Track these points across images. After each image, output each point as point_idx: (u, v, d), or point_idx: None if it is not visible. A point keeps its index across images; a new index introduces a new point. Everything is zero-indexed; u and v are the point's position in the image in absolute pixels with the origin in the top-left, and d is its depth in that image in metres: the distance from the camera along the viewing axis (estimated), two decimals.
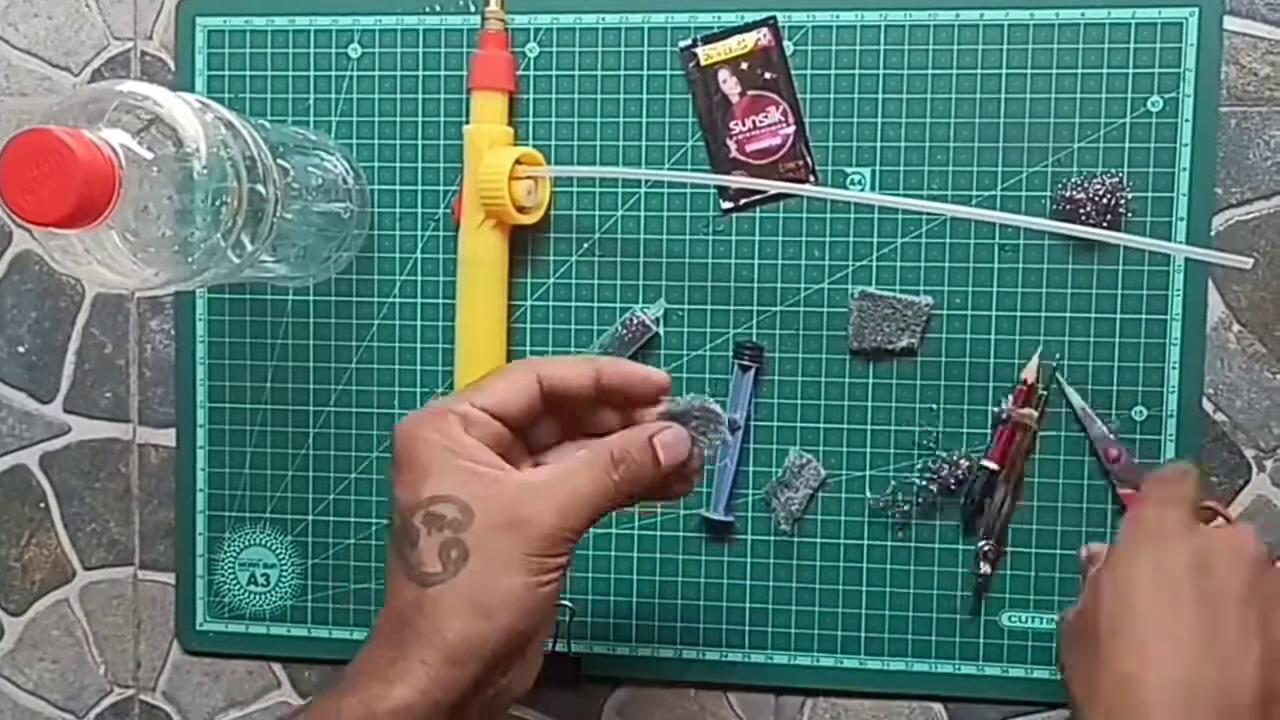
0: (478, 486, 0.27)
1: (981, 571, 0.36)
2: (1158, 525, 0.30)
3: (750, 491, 0.38)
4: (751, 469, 0.37)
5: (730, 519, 0.37)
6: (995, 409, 0.36)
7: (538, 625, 0.27)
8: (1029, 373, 0.36)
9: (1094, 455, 0.36)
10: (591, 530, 0.38)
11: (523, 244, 0.38)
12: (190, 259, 0.30)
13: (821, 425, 0.37)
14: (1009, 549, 0.37)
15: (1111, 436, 0.35)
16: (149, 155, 0.29)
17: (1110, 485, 0.36)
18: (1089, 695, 0.28)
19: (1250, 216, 0.36)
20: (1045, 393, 0.36)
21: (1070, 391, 0.36)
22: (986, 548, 0.36)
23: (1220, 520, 0.33)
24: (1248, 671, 0.27)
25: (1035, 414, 0.36)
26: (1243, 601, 0.28)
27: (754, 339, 0.37)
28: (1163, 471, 0.32)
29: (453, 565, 0.26)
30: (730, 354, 0.37)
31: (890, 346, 0.37)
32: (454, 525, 0.26)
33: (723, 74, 0.37)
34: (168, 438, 0.41)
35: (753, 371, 0.37)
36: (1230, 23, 0.36)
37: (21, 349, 0.41)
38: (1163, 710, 0.27)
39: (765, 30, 0.37)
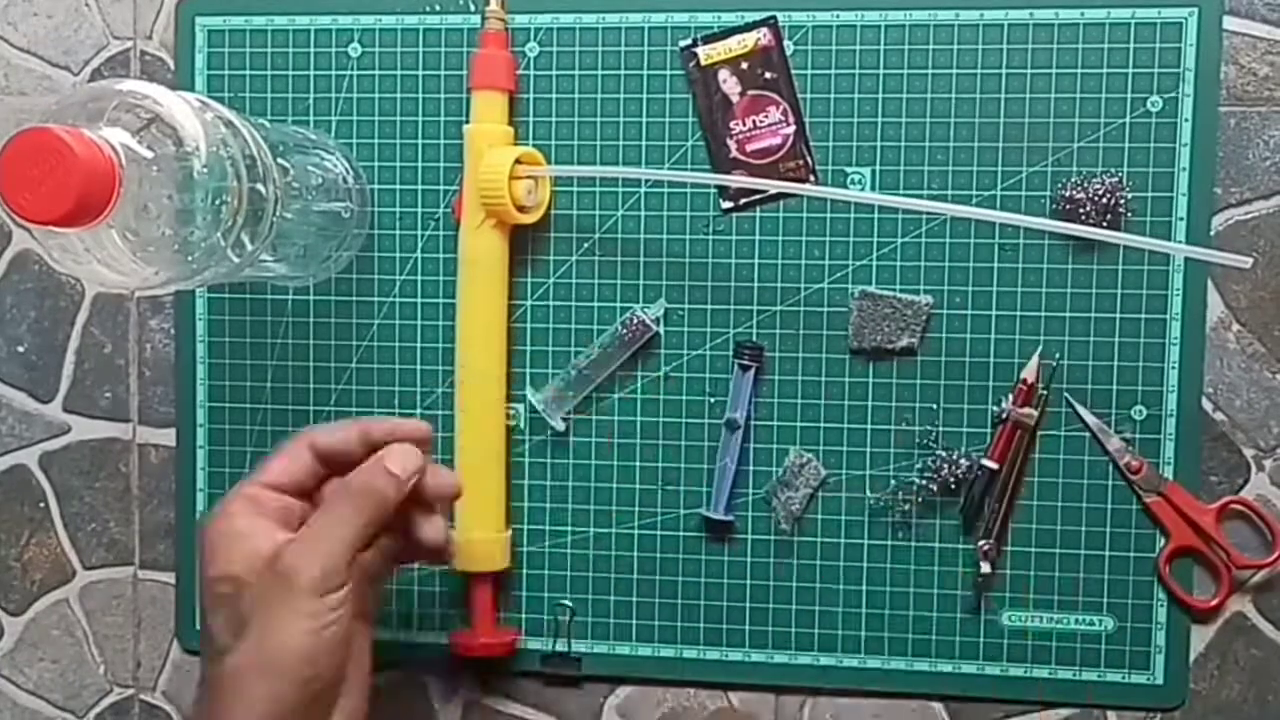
0: (250, 560, 0.29)
1: (981, 571, 0.36)
2: None
3: (750, 491, 0.38)
4: (751, 469, 0.38)
5: (730, 519, 0.37)
6: (995, 408, 0.36)
7: (336, 671, 0.29)
8: (1029, 372, 0.36)
9: (1094, 454, 0.36)
10: (592, 529, 0.39)
11: (523, 243, 0.38)
12: (190, 258, 0.30)
13: (821, 425, 0.37)
14: (1009, 548, 0.37)
15: (1129, 447, 0.35)
16: (149, 154, 0.29)
17: (1132, 492, 0.36)
18: None
19: (1249, 216, 0.36)
20: (1045, 392, 0.36)
21: (1083, 411, 0.36)
22: (986, 547, 0.36)
23: None
24: None
25: (1035, 413, 0.36)
26: None
27: (754, 338, 0.37)
28: None
29: (237, 632, 0.29)
30: (730, 353, 0.37)
31: (890, 346, 0.37)
32: (231, 600, 0.29)
33: (723, 74, 0.37)
34: (168, 437, 0.41)
35: (753, 371, 0.37)
36: (1230, 23, 0.36)
37: (21, 348, 0.41)
38: None
39: (765, 30, 0.37)
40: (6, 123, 0.41)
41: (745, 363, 0.37)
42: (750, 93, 0.37)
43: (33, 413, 0.41)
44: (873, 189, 0.37)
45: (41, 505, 0.42)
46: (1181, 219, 0.36)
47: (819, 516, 0.37)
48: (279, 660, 0.28)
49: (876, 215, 0.37)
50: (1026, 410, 0.36)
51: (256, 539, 0.29)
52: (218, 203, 0.29)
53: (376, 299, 0.39)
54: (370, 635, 0.31)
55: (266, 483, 0.31)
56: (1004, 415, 0.36)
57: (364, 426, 0.31)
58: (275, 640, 0.28)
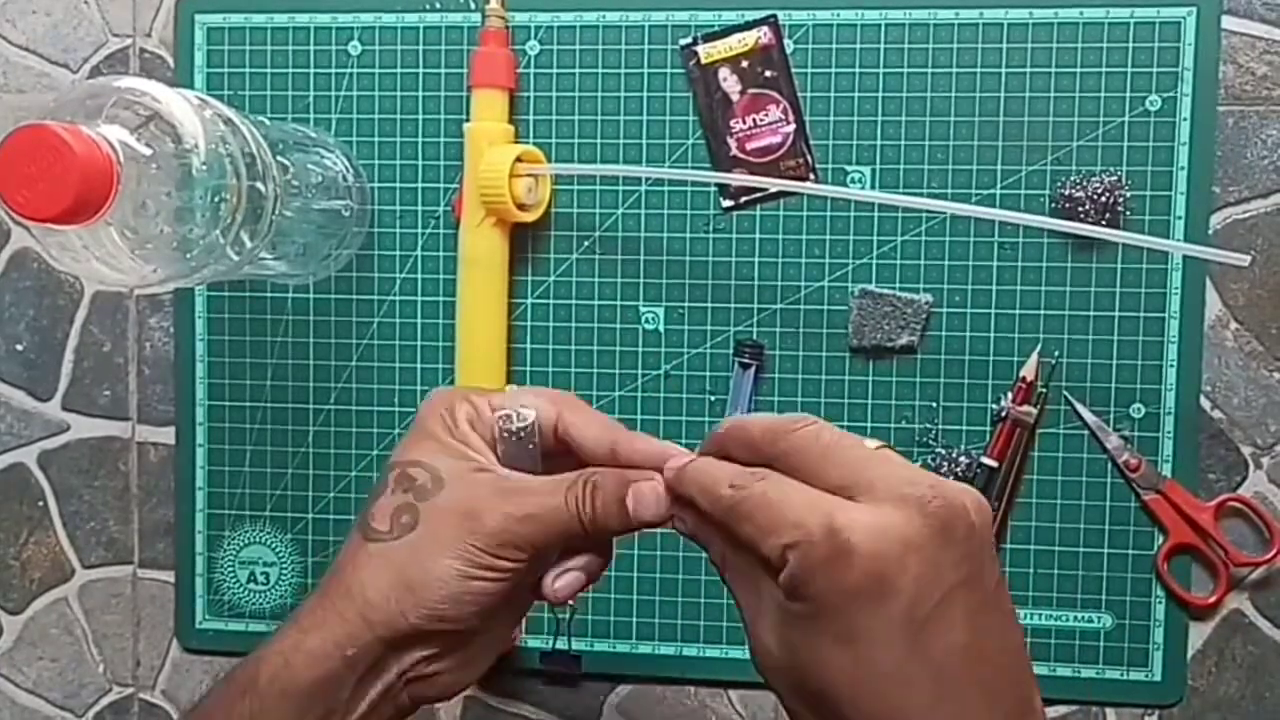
0: (457, 467, 0.27)
1: None
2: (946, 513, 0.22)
3: None
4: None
5: None
6: (994, 406, 0.36)
7: (469, 621, 0.26)
8: (1028, 370, 0.36)
9: (1092, 452, 0.36)
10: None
11: (523, 242, 0.38)
12: (189, 256, 0.30)
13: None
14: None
15: (1128, 445, 0.36)
16: (147, 151, 0.29)
17: (1131, 490, 0.36)
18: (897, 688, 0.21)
19: (1247, 215, 0.36)
20: (1044, 390, 0.36)
21: (1081, 408, 0.36)
22: None
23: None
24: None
25: (1034, 411, 0.36)
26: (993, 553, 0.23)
27: (754, 336, 0.37)
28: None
29: (399, 529, 0.26)
30: (730, 352, 0.37)
31: (890, 344, 0.37)
32: (419, 492, 0.26)
33: (723, 72, 0.37)
34: (167, 436, 0.41)
35: (753, 369, 0.37)
36: (1228, 22, 0.36)
37: (20, 347, 0.41)
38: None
39: (766, 28, 0.37)
40: (5, 120, 0.41)
41: (745, 361, 0.37)
42: (750, 91, 0.37)
43: (31, 411, 0.41)
44: (872, 187, 0.37)
45: (40, 504, 0.42)
46: (1180, 218, 0.36)
47: None
48: (419, 581, 0.25)
49: (876, 214, 0.37)
50: (1026, 408, 0.36)
51: (468, 449, 0.27)
52: (217, 200, 0.29)
53: (376, 297, 0.39)
54: (524, 606, 0.29)
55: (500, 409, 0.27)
56: (1003, 413, 0.36)
57: (619, 438, 0.27)
58: (429, 562, 0.25)
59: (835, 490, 0.22)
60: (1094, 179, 0.36)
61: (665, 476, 0.26)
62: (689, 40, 0.37)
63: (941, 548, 0.21)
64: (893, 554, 0.21)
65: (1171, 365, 0.36)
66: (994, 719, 0.22)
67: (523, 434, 0.28)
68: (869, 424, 0.37)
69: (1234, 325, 0.36)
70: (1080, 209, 0.36)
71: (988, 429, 0.37)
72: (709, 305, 0.38)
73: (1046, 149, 0.36)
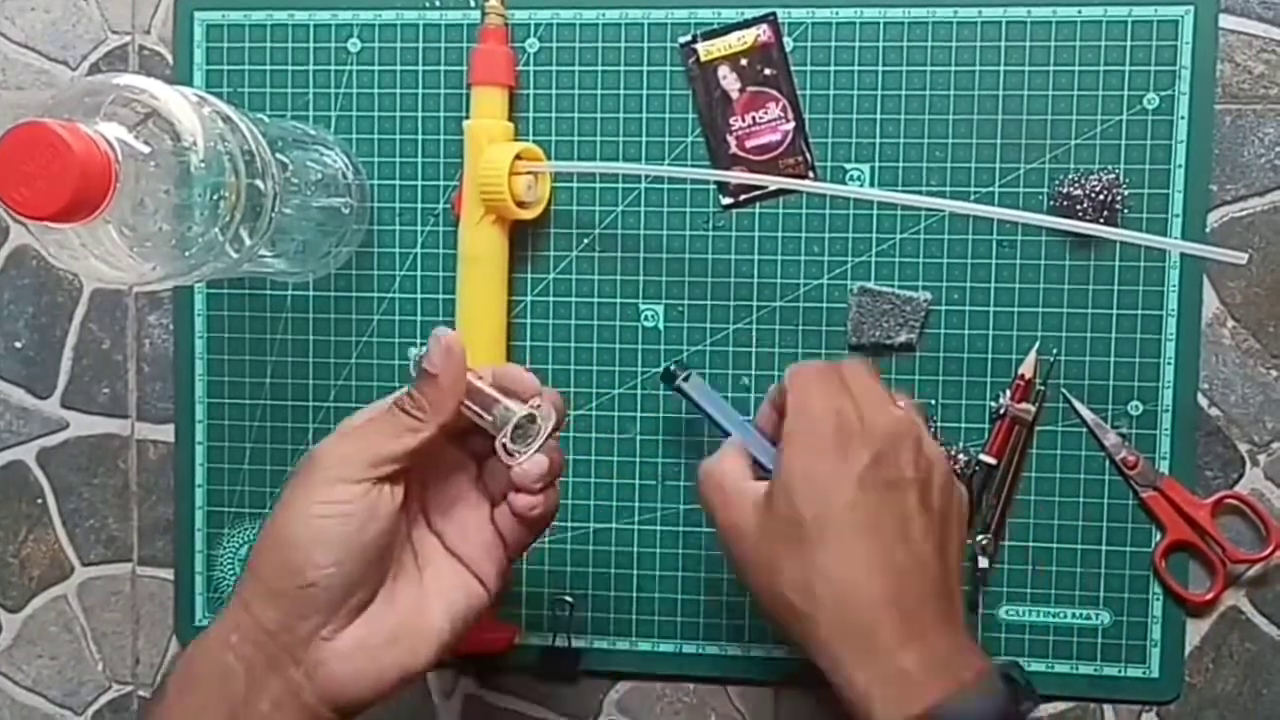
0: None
1: (979, 565, 0.37)
2: (843, 422, 0.29)
3: None
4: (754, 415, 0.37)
5: None
6: (993, 404, 0.36)
7: (332, 565, 0.27)
8: (1026, 368, 0.36)
9: (1090, 450, 0.37)
10: (592, 524, 0.39)
11: (522, 239, 0.38)
12: (188, 253, 0.29)
13: None
14: (1006, 543, 0.37)
15: (1125, 443, 0.36)
16: (146, 149, 0.28)
17: (1129, 487, 0.36)
18: (806, 599, 0.28)
19: (1245, 213, 0.36)
20: (1043, 388, 0.36)
21: (1080, 406, 0.36)
22: (984, 542, 0.37)
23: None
24: (931, 551, 0.29)
25: (1032, 408, 0.36)
26: (919, 485, 0.29)
27: (754, 334, 0.37)
28: (843, 365, 0.31)
29: (277, 506, 0.28)
30: (730, 349, 0.37)
31: (889, 342, 0.37)
32: (295, 468, 0.28)
33: (723, 70, 0.37)
34: (166, 433, 0.41)
35: (687, 378, 0.34)
36: (1225, 20, 0.36)
37: (19, 344, 0.41)
38: (893, 621, 0.27)
39: (765, 26, 0.37)
40: (3, 117, 0.41)
41: (679, 385, 0.34)
42: (750, 89, 0.37)
43: (30, 409, 0.41)
44: (871, 185, 0.37)
45: (39, 501, 0.42)
46: (1177, 216, 0.36)
47: None
48: (273, 537, 0.27)
49: (875, 211, 0.37)
50: (1024, 406, 0.36)
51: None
52: (216, 198, 0.29)
53: (376, 295, 0.39)
54: (460, 594, 0.29)
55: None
56: (1001, 411, 0.36)
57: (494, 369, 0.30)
58: (277, 517, 0.27)
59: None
60: (1092, 177, 0.36)
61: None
62: (688, 38, 0.37)
63: (881, 434, 0.30)
64: (846, 423, 0.30)
65: (1169, 363, 0.36)
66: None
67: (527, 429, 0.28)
68: None
69: (1231, 323, 0.37)
70: (1078, 207, 0.36)
71: (986, 426, 0.37)
72: (708, 303, 0.38)
73: (1045, 147, 0.36)
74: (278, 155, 0.33)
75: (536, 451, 0.29)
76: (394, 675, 0.28)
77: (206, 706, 0.27)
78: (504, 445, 0.28)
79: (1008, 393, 0.36)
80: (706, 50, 0.37)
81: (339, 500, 0.27)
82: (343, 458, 0.27)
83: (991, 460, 0.36)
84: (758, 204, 0.37)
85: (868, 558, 0.28)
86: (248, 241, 0.31)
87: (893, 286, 0.37)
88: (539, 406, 0.29)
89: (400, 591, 0.28)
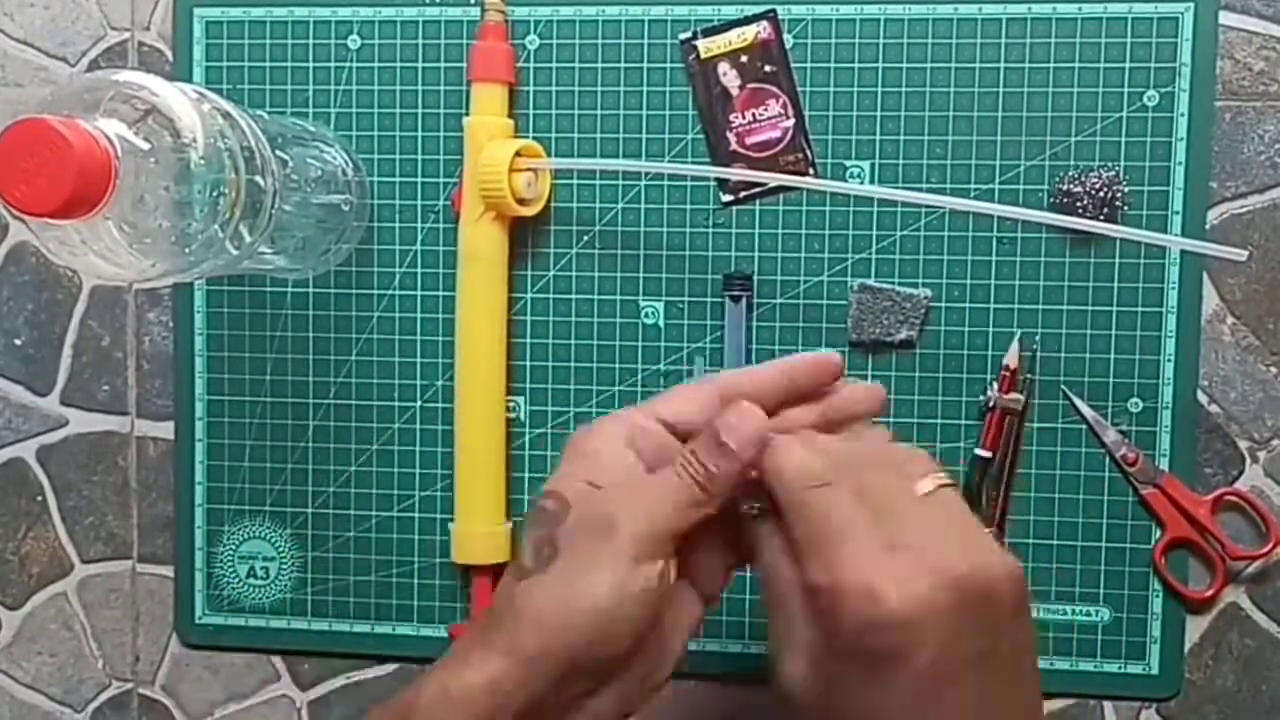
0: (583, 488, 0.26)
1: None
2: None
3: None
4: None
5: None
6: (981, 397, 0.36)
7: (623, 643, 0.25)
8: (1010, 358, 0.36)
9: (1090, 447, 0.37)
10: None
11: (523, 236, 0.38)
12: (188, 250, 0.29)
13: None
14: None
15: (1125, 440, 0.36)
16: (145, 146, 0.28)
17: (1128, 484, 0.36)
18: None
19: (1245, 210, 0.36)
20: (1029, 377, 0.36)
21: (1079, 403, 0.36)
22: None
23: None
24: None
25: (1021, 398, 0.36)
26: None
27: (753, 332, 0.37)
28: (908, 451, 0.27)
29: (542, 562, 0.26)
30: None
31: (889, 339, 0.37)
32: (551, 519, 0.26)
33: (723, 67, 0.37)
34: (166, 430, 0.41)
35: (743, 301, 0.36)
36: (1225, 18, 0.36)
37: (18, 341, 0.41)
38: None
39: (765, 23, 0.37)
40: (2, 114, 0.40)
41: (735, 294, 0.36)
42: (750, 86, 0.37)
43: (30, 406, 0.41)
44: (872, 182, 0.37)
45: (39, 499, 0.42)
46: (1177, 213, 0.36)
47: None
48: (576, 605, 0.25)
49: (875, 209, 0.37)
50: (1012, 396, 0.36)
51: (599, 464, 0.26)
52: (215, 195, 0.29)
53: (376, 292, 0.39)
54: (691, 621, 0.27)
55: (660, 416, 0.27)
56: (991, 403, 0.36)
57: (777, 371, 0.27)
58: (580, 585, 0.25)
59: (883, 539, 0.24)
60: (1092, 174, 0.36)
61: (754, 443, 0.26)
62: (688, 35, 0.37)
63: (963, 619, 0.23)
64: (918, 622, 0.23)
65: (1169, 360, 0.36)
66: None
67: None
68: None
69: (1231, 320, 0.37)
70: (1078, 204, 0.36)
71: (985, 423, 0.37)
72: (708, 300, 0.38)
73: (1045, 144, 0.36)
74: (277, 152, 0.32)
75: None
76: (633, 712, 0.27)
77: None
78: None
79: (995, 385, 0.36)
80: (706, 47, 0.37)
81: (649, 572, 0.25)
82: (646, 536, 0.25)
83: (986, 454, 0.36)
84: (758, 201, 0.37)
85: None
86: (248, 238, 0.31)
87: (893, 283, 0.37)
88: None
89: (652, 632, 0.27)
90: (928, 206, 0.36)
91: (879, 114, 0.37)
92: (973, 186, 0.36)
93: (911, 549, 0.24)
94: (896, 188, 0.36)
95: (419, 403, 0.39)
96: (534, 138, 0.38)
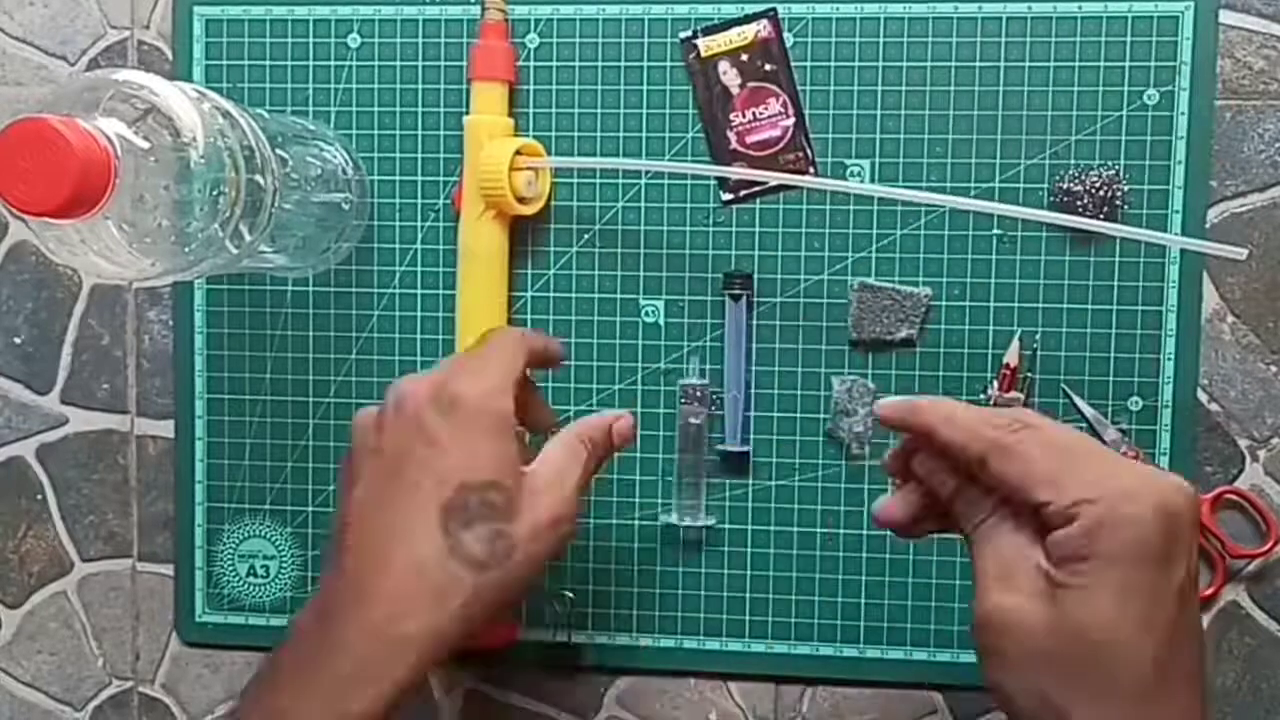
0: (515, 475, 0.30)
1: None
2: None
3: (751, 483, 0.38)
4: (754, 414, 0.37)
5: (747, 449, 0.37)
6: (981, 396, 0.36)
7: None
8: (1010, 356, 0.36)
9: None
10: (591, 522, 0.39)
11: (523, 235, 0.38)
12: (188, 249, 0.29)
13: (820, 416, 0.37)
14: None
15: (1125, 438, 0.36)
16: (145, 145, 0.28)
17: None
18: None
19: (1245, 209, 0.36)
20: (1029, 375, 0.36)
21: (1080, 402, 0.36)
22: None
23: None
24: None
25: (1021, 396, 0.36)
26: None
27: (755, 330, 0.37)
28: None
29: (499, 558, 0.29)
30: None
31: (889, 337, 0.37)
32: (502, 515, 0.29)
33: (723, 66, 0.37)
34: (166, 429, 0.41)
35: (743, 299, 0.36)
36: (1226, 16, 0.36)
37: (18, 340, 0.41)
38: None
39: (765, 22, 0.37)
40: (2, 113, 0.40)
41: (735, 292, 0.36)
42: (750, 85, 0.37)
43: (30, 404, 0.41)
44: (872, 181, 0.37)
45: (39, 497, 0.42)
46: (1177, 212, 0.36)
47: (817, 508, 0.38)
48: (516, 595, 0.30)
49: (875, 207, 0.37)
50: (1012, 394, 0.36)
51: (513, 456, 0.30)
52: (215, 194, 0.29)
53: (376, 290, 0.39)
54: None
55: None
56: (991, 402, 0.36)
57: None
58: (528, 575, 0.29)
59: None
60: (1092, 173, 0.36)
61: (898, 408, 0.28)
62: (689, 33, 0.37)
63: (1194, 526, 0.25)
64: (1176, 525, 0.24)
65: (1169, 358, 0.36)
66: (1197, 685, 0.25)
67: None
68: None
69: (1231, 318, 0.37)
70: (1078, 203, 0.36)
71: None
72: (708, 299, 0.38)
73: (1045, 143, 0.36)
74: (277, 151, 0.32)
75: None
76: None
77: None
78: None
79: (995, 383, 0.36)
80: (707, 46, 0.37)
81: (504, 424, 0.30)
82: (565, 502, 0.30)
83: None
84: (758, 200, 0.37)
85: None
86: (247, 237, 0.31)
87: (893, 282, 0.37)
88: None
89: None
90: (928, 205, 0.36)
91: (879, 113, 0.37)
92: (973, 185, 0.37)
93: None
94: (897, 186, 0.36)
95: None
96: (534, 136, 0.38)
